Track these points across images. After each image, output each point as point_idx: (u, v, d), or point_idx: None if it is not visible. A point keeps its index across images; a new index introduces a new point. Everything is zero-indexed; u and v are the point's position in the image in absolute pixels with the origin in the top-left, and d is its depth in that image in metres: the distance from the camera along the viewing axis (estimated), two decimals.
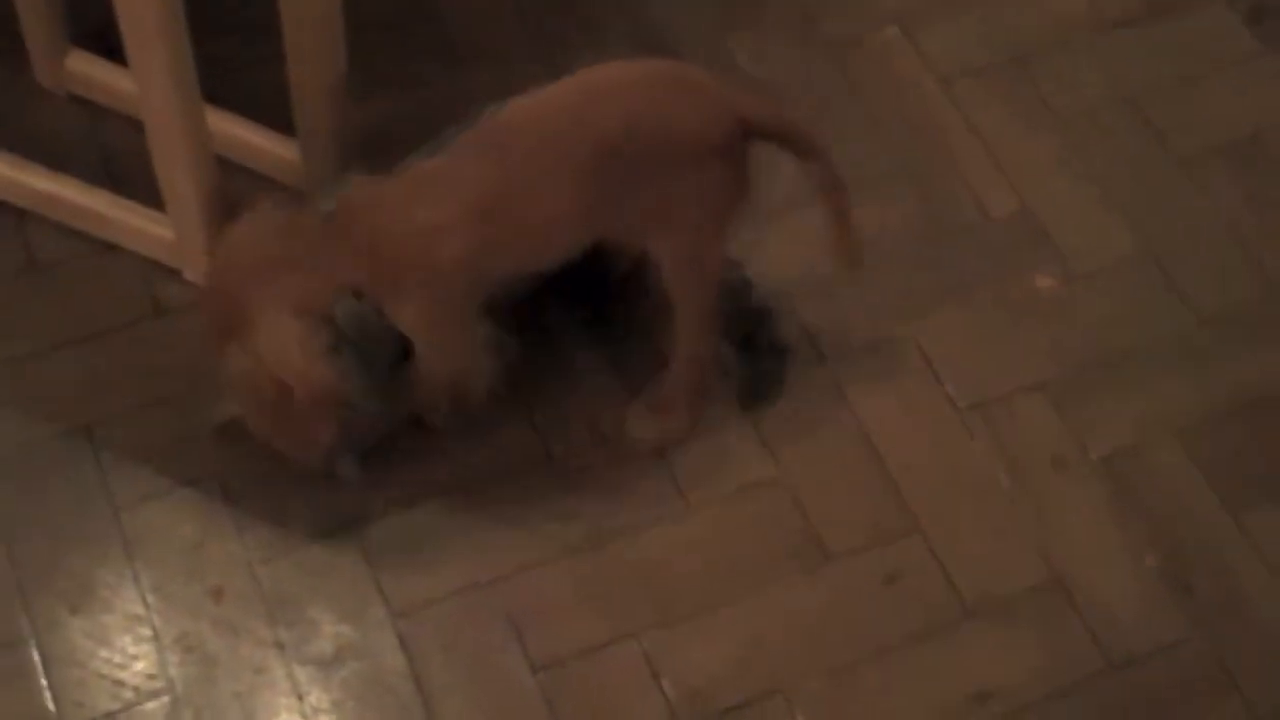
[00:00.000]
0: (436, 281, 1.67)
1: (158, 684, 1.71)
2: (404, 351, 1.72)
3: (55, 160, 1.98)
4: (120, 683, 1.71)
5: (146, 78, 1.71)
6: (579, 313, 1.97)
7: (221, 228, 1.74)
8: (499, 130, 1.68)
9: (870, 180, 2.11)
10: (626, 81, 1.70)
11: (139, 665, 1.72)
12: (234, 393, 1.71)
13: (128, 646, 1.73)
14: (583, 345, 1.96)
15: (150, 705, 1.70)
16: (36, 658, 1.72)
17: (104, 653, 1.73)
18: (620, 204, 1.70)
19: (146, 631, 1.74)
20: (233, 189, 1.92)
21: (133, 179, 1.97)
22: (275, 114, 1.99)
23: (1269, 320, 2.06)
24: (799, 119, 1.78)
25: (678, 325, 1.83)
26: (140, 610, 1.76)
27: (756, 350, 1.95)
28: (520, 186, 1.66)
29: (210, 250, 1.77)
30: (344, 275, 1.66)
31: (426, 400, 1.80)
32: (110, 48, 1.96)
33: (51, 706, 1.69)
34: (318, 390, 1.66)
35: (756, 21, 2.25)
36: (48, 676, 1.71)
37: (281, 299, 1.65)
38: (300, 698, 1.72)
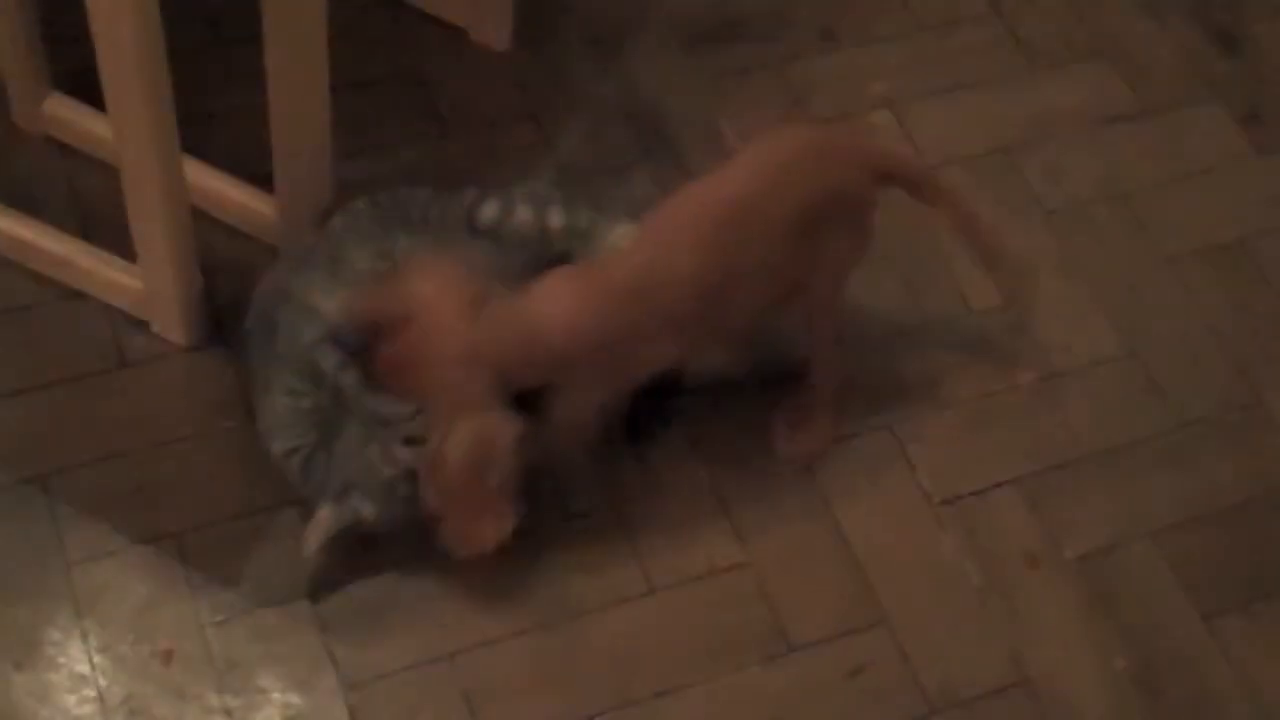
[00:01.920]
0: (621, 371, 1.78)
1: None
2: None
3: (27, 204, 1.95)
4: None
5: (124, 126, 1.68)
6: None
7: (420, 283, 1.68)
8: (691, 215, 1.77)
9: None
10: (797, 156, 1.80)
11: None
12: (433, 471, 1.67)
13: (71, 708, 1.69)
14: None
15: None
16: None
17: (46, 712, 1.68)
18: (801, 259, 1.80)
19: (91, 693, 1.70)
20: (206, 242, 1.90)
21: (105, 226, 1.94)
22: (253, 168, 1.96)
23: (1248, 425, 2.04)
24: (926, 166, 1.85)
25: (813, 354, 1.92)
26: (86, 670, 1.71)
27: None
28: (725, 273, 1.75)
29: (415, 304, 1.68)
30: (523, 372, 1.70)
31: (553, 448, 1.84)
32: (90, 91, 1.94)
33: None
34: (507, 481, 1.69)
35: (746, 97, 2.24)
36: None
37: (489, 391, 1.66)
38: None
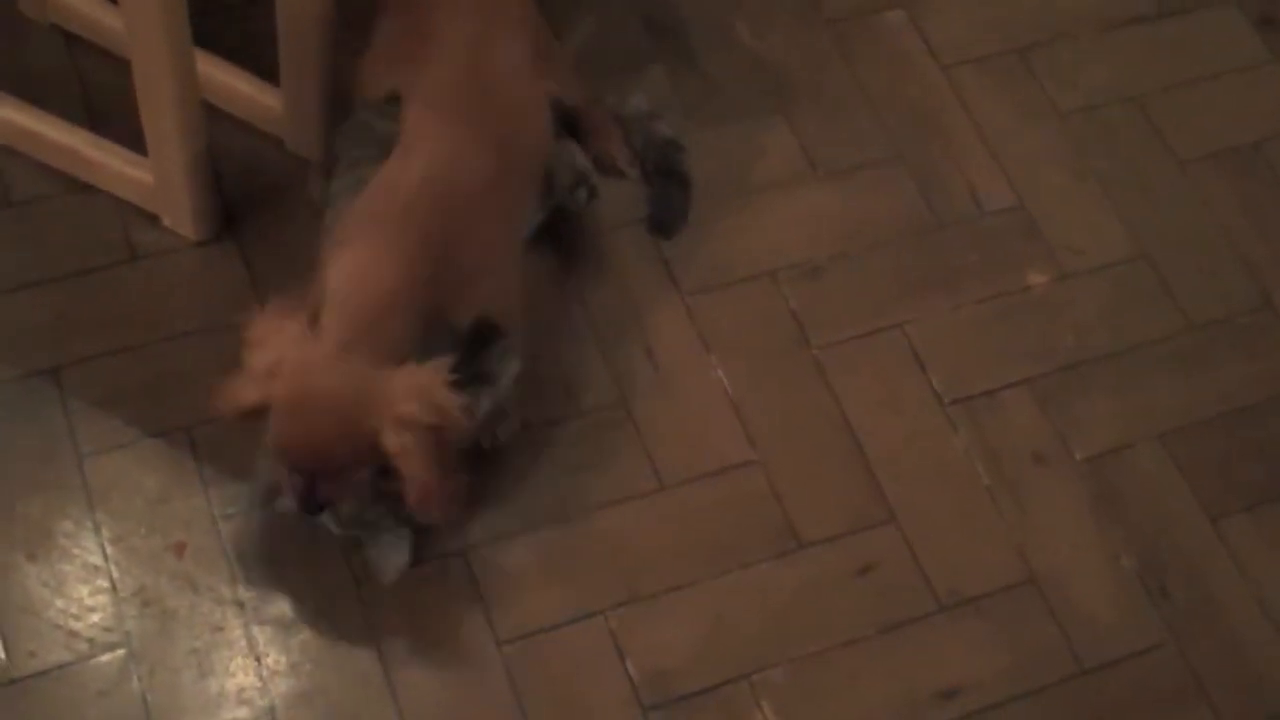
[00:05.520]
0: (509, 245, 1.73)
1: (113, 637, 1.68)
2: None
3: (34, 94, 1.93)
4: (75, 634, 1.67)
5: (136, 17, 1.66)
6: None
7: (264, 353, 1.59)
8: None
9: (865, 164, 2.09)
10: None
11: (95, 617, 1.69)
12: (408, 464, 1.57)
13: (84, 597, 1.70)
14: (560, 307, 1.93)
15: (104, 658, 1.67)
16: None
17: (60, 603, 1.69)
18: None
19: (104, 583, 1.71)
20: (213, 135, 1.88)
21: (113, 118, 1.92)
22: (260, 60, 1.94)
23: (1258, 329, 2.04)
24: None
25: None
26: (99, 561, 1.72)
27: (664, 178, 1.99)
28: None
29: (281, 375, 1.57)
30: (411, 307, 1.60)
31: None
32: None
33: (3, 655, 1.65)
34: (463, 418, 1.59)
35: None
36: (1, 624, 1.67)
37: (388, 363, 1.57)
38: (258, 658, 1.69)
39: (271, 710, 1.66)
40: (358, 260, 1.61)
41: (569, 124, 1.93)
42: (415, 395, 1.55)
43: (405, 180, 1.64)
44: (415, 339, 1.61)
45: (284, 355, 1.57)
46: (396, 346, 1.58)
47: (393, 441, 1.55)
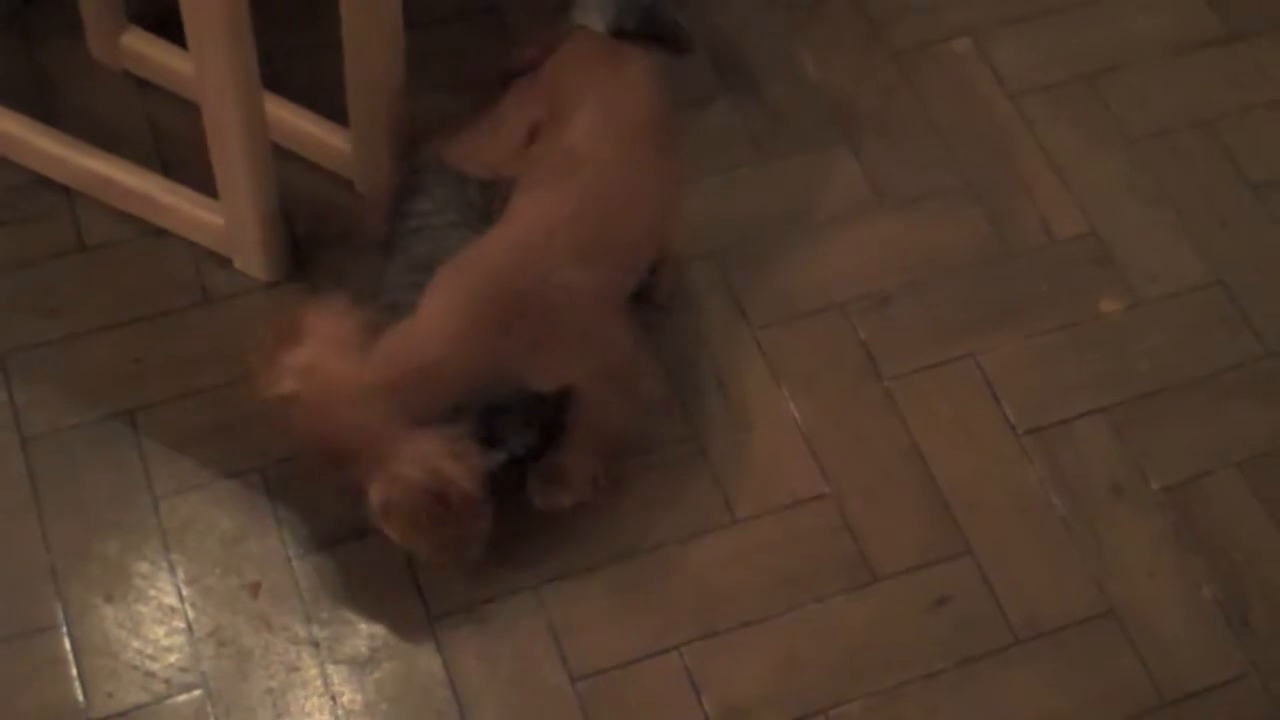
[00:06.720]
0: (594, 320, 1.67)
1: (189, 678, 1.69)
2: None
3: (106, 140, 1.95)
4: (151, 674, 1.68)
5: (206, 63, 1.67)
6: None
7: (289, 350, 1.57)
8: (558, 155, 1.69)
9: (935, 194, 2.08)
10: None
11: (171, 658, 1.69)
12: (386, 521, 1.57)
13: (161, 638, 1.71)
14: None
15: (181, 698, 1.67)
16: (68, 645, 1.69)
17: (136, 643, 1.70)
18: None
19: (180, 624, 1.71)
20: (283, 177, 1.89)
21: (184, 162, 1.95)
22: (329, 103, 1.96)
23: None
24: None
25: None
26: (175, 602, 1.73)
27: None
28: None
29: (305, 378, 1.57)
30: (465, 373, 1.58)
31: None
32: (167, 25, 1.94)
33: (80, 696, 1.66)
34: (474, 491, 1.57)
35: (824, 28, 2.21)
36: (78, 665, 1.68)
37: (408, 420, 1.56)
38: (333, 698, 1.69)
39: None
40: (429, 312, 1.58)
41: None
42: (418, 461, 1.53)
43: (495, 250, 1.61)
44: (468, 397, 1.60)
45: (323, 362, 1.55)
46: (435, 404, 1.57)
47: (377, 494, 1.54)
